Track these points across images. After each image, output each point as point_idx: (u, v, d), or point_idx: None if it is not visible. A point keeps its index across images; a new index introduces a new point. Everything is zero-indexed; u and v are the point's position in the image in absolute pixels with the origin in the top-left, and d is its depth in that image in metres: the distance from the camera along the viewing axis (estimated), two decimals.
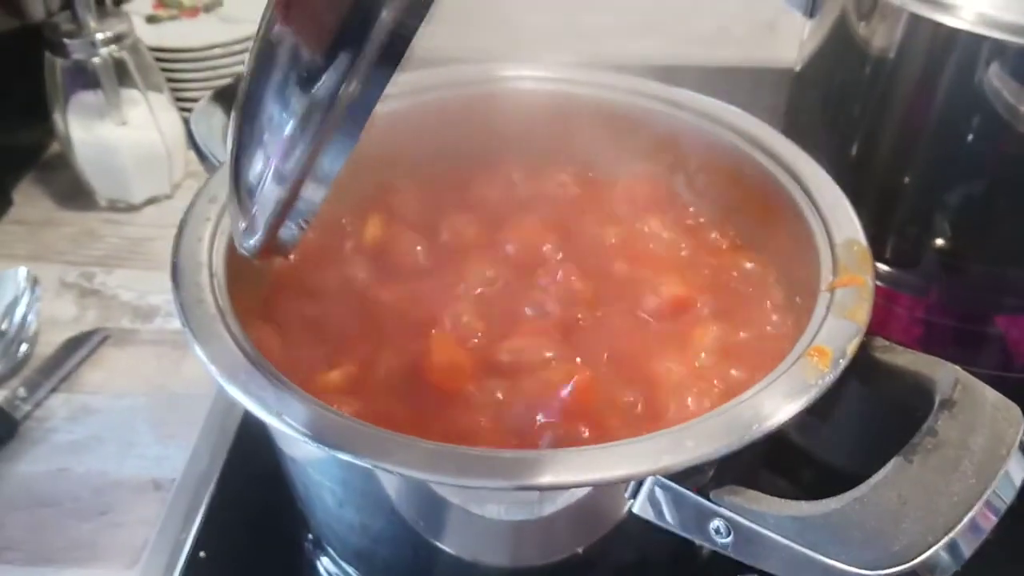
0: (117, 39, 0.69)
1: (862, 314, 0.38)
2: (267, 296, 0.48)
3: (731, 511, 0.32)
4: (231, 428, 0.55)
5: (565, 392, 0.42)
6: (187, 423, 0.56)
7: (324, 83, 0.27)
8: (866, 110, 0.60)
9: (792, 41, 0.79)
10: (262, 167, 0.29)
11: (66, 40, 0.67)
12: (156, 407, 0.58)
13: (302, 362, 0.42)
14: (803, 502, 0.32)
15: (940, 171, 0.57)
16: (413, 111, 0.55)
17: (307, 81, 0.28)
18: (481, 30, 0.86)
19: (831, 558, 0.30)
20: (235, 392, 0.35)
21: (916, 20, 0.53)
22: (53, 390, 0.59)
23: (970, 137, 0.54)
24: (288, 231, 0.30)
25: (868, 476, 0.32)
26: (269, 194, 0.29)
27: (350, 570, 0.47)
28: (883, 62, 0.56)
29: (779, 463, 0.42)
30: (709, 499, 0.33)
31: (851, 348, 0.36)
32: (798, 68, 0.69)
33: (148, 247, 0.72)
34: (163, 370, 0.61)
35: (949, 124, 0.54)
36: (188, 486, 0.52)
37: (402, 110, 0.55)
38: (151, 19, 0.86)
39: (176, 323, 0.63)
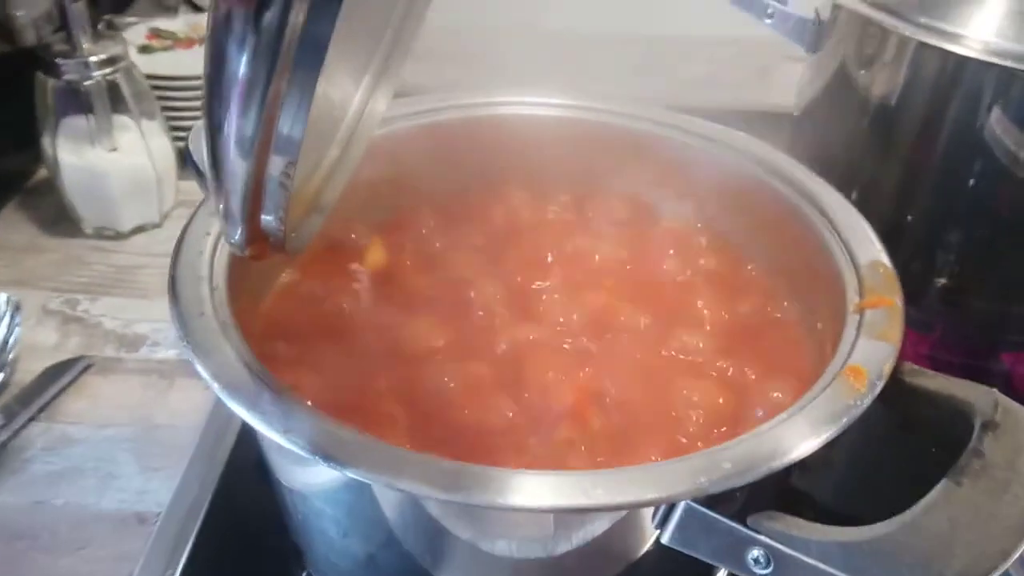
0: (111, 61, 0.68)
1: (895, 334, 0.37)
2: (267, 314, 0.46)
3: (771, 538, 0.30)
4: (221, 459, 0.52)
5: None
6: (173, 455, 0.53)
7: (269, 21, 0.25)
8: (868, 150, 0.60)
9: (783, 88, 0.80)
10: (228, 145, 0.28)
11: (59, 60, 0.66)
12: (140, 438, 0.55)
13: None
14: (847, 528, 0.30)
15: (943, 209, 0.57)
16: (416, 134, 0.54)
17: (256, 30, 0.26)
18: (476, 71, 0.86)
19: None
20: (238, 408, 0.32)
21: (923, 51, 0.53)
22: (32, 419, 0.55)
23: (974, 175, 0.54)
24: (268, 220, 0.29)
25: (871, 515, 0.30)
26: (236, 170, 0.28)
27: None
28: (886, 101, 0.57)
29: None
30: (746, 526, 0.31)
31: (887, 368, 0.35)
32: (797, 113, 0.69)
33: (135, 275, 0.70)
34: (148, 400, 0.58)
35: (953, 161, 0.54)
36: (174, 520, 0.49)
37: (405, 133, 0.54)
38: (144, 49, 0.85)
39: (164, 352, 0.62)
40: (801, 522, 0.31)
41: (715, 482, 0.30)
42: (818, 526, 0.30)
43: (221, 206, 0.30)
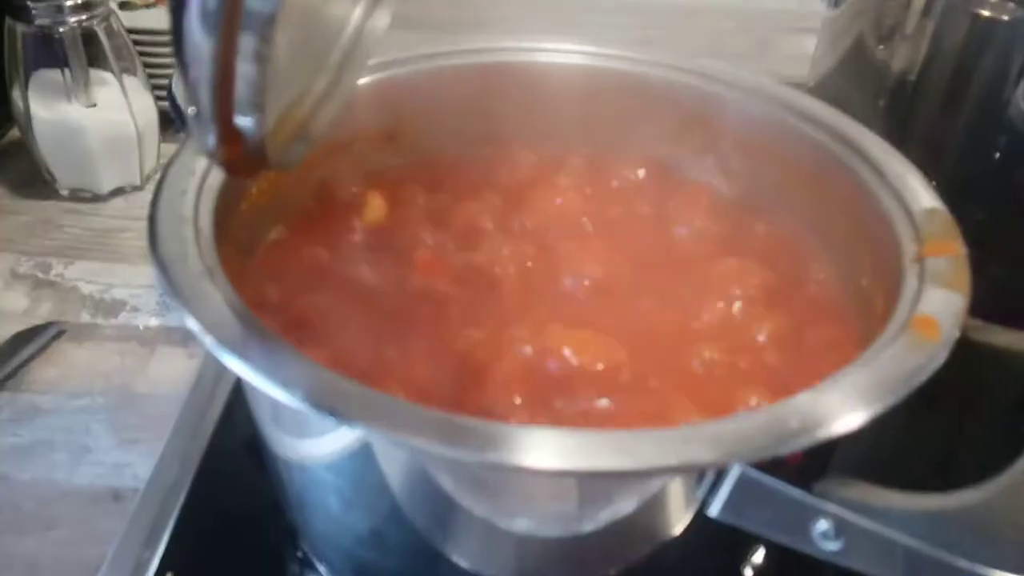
0: (88, 7, 0.63)
1: (964, 283, 0.33)
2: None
3: (843, 507, 0.26)
4: (206, 431, 0.48)
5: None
6: (153, 427, 0.49)
7: None
8: (887, 123, 0.58)
9: (787, 59, 0.77)
10: (191, 21, 0.24)
11: (30, 3, 0.61)
12: (117, 408, 0.50)
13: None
14: (933, 495, 0.26)
15: (965, 182, 0.55)
16: (421, 80, 0.50)
17: None
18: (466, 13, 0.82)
19: (977, 561, 0.24)
20: (228, 359, 0.28)
21: (948, 17, 0.50)
22: None
23: (999, 148, 0.52)
24: (244, 118, 0.24)
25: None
26: (201, 52, 0.24)
27: None
28: (906, 74, 0.56)
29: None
30: (812, 492, 0.27)
31: (961, 318, 0.31)
32: (811, 84, 0.67)
33: (114, 239, 0.65)
34: (126, 368, 0.53)
35: (977, 134, 0.53)
36: (154, 496, 0.44)
37: (409, 78, 0.50)
38: (124, 5, 0.80)
39: (145, 319, 0.57)
40: (878, 490, 0.27)
41: (780, 442, 0.26)
42: (898, 494, 0.26)
43: (191, 108, 0.26)
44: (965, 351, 0.33)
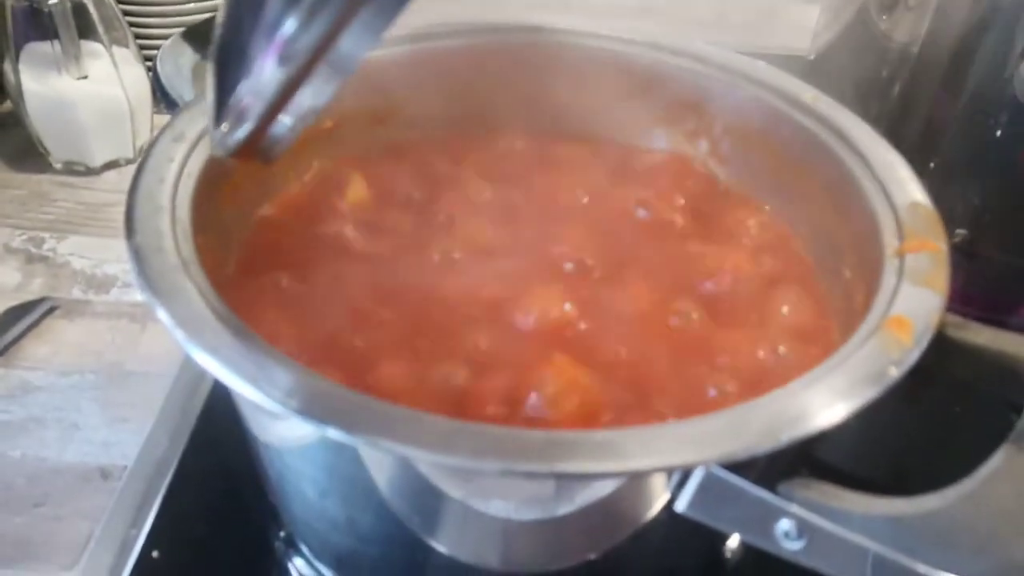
0: None
1: (941, 282, 0.33)
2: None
3: (804, 508, 0.27)
4: (194, 411, 0.48)
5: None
6: (142, 405, 0.49)
7: None
8: (888, 97, 0.57)
9: (791, 30, 0.76)
10: (260, 51, 0.23)
11: None
12: (107, 386, 0.51)
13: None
14: (895, 499, 0.26)
15: (966, 159, 0.54)
16: (409, 60, 0.49)
17: None
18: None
19: (935, 567, 0.25)
20: (199, 354, 0.28)
21: None
22: None
23: (1000, 125, 0.51)
24: (282, 126, 0.24)
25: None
26: (268, 77, 0.23)
27: (327, 572, 0.41)
28: (909, 48, 0.54)
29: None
30: (776, 493, 0.27)
31: (935, 319, 0.31)
32: (812, 57, 0.66)
33: (107, 213, 0.65)
34: (117, 345, 0.54)
35: (979, 111, 0.52)
36: (141, 475, 0.45)
37: (397, 57, 0.49)
38: None
39: (136, 295, 0.58)
40: (841, 492, 0.27)
41: (745, 446, 0.26)
42: (860, 497, 0.27)
43: (225, 123, 0.26)
44: (941, 347, 0.34)
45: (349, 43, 0.23)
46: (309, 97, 0.25)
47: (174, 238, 0.33)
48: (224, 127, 0.26)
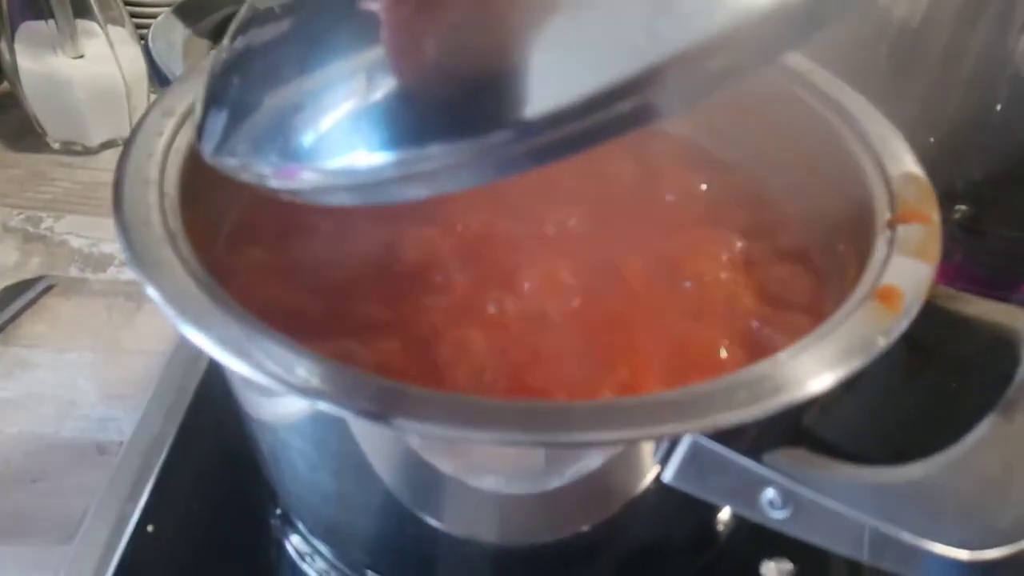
0: None
1: (932, 252, 0.33)
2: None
3: (788, 477, 0.27)
4: (189, 387, 0.48)
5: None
6: (138, 382, 0.50)
7: None
8: (888, 71, 0.56)
9: None
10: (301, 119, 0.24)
11: None
12: (103, 363, 0.51)
13: None
14: (879, 468, 0.26)
15: (966, 134, 0.53)
16: None
17: None
18: None
19: (919, 535, 0.25)
20: (186, 327, 0.28)
21: None
22: None
23: (1000, 100, 0.51)
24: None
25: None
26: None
27: (323, 548, 0.41)
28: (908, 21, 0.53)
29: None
30: (761, 462, 0.27)
31: (924, 289, 0.31)
32: None
33: (104, 192, 0.65)
34: (114, 323, 0.54)
35: (980, 86, 0.51)
36: (137, 450, 0.45)
37: None
38: None
39: (132, 273, 0.58)
40: (826, 461, 0.27)
41: (729, 414, 0.26)
42: (845, 466, 0.26)
43: (217, 137, 0.27)
44: (933, 319, 0.33)
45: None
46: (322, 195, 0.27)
47: (161, 211, 0.33)
48: (213, 141, 0.26)
